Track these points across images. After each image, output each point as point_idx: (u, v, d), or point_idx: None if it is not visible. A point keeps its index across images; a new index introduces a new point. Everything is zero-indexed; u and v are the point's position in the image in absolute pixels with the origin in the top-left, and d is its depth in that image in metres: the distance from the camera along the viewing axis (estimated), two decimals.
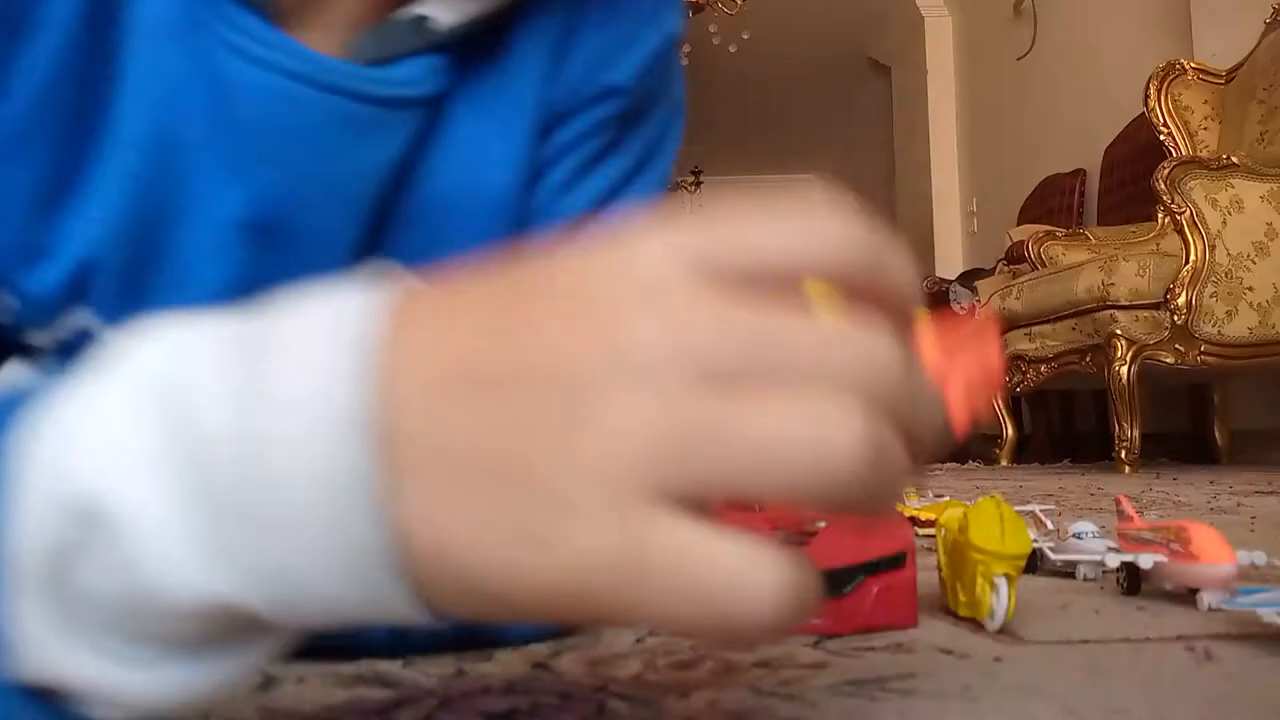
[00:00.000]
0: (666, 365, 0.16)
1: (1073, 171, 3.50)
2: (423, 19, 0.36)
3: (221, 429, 0.17)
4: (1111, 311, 2.13)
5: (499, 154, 0.40)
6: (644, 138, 0.44)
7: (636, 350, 0.16)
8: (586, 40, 0.42)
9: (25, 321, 0.34)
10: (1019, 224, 3.44)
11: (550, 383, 0.17)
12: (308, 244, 0.36)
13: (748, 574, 0.16)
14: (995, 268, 3.18)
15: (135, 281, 0.35)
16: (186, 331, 0.19)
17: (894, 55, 5.58)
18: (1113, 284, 2.13)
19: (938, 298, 3.78)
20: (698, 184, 8.01)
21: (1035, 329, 2.46)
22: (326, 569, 0.17)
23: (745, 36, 4.73)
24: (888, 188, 5.86)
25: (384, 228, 0.39)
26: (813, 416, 0.16)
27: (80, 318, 0.35)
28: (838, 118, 7.02)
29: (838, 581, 0.46)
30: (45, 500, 0.18)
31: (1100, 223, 3.09)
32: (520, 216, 0.41)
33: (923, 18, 5.07)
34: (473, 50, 0.39)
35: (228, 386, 0.18)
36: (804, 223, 0.18)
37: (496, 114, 0.40)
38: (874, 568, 0.47)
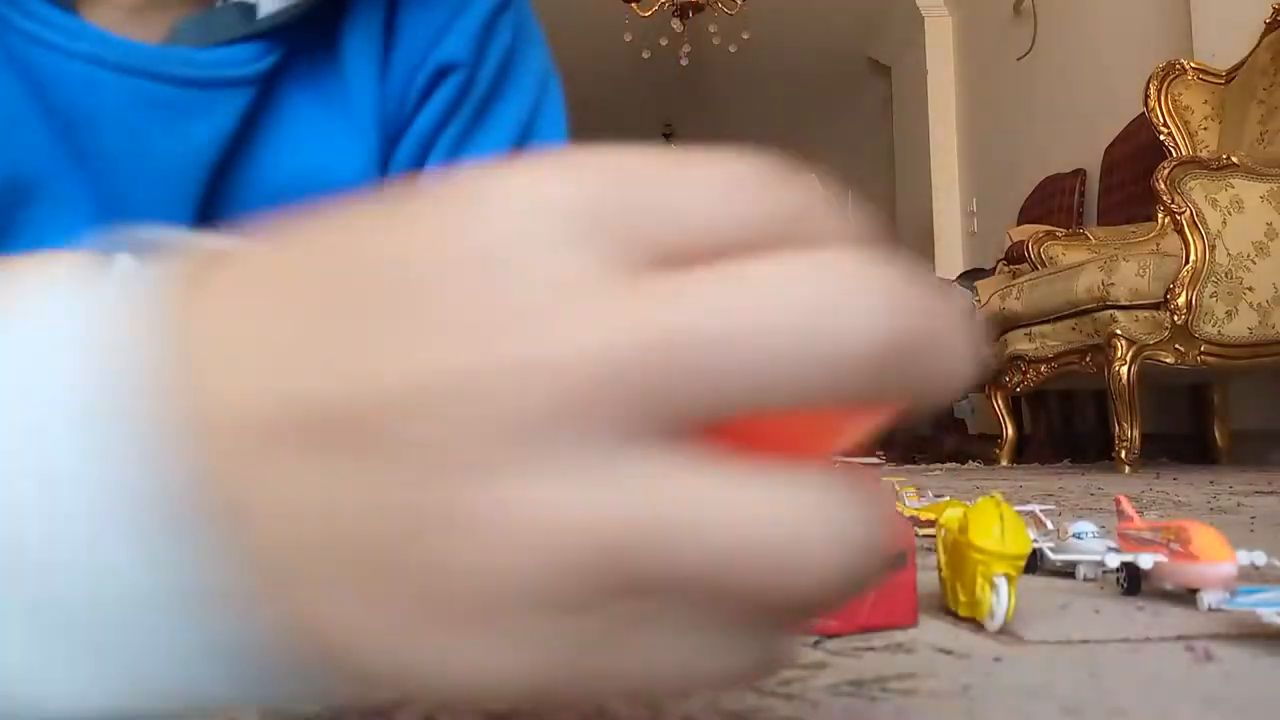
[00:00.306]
0: (580, 408, 0.12)
1: (1073, 171, 3.50)
2: (249, 6, 0.36)
3: None
4: (1111, 311, 2.13)
5: (341, 143, 0.40)
6: (513, 114, 0.43)
7: (536, 386, 0.12)
8: (412, 23, 0.41)
9: None
10: (1019, 224, 3.44)
11: (420, 449, 0.12)
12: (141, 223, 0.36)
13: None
14: (995, 268, 3.18)
15: None
16: None
17: (894, 55, 5.58)
18: (1113, 284, 2.13)
19: None
20: None
21: (1035, 329, 2.46)
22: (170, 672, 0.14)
23: (745, 36, 4.73)
24: (888, 188, 5.86)
25: (226, 210, 0.38)
26: (780, 511, 0.12)
27: None
28: (838, 118, 7.02)
29: None
30: None
31: (1100, 223, 3.09)
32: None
33: (923, 17, 5.07)
34: (304, 40, 0.38)
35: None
36: (727, 172, 0.14)
37: (334, 103, 0.39)
38: None
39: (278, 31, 0.37)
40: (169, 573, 0.13)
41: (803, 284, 0.12)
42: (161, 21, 0.36)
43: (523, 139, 0.43)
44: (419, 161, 0.42)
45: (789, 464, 0.12)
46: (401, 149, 0.42)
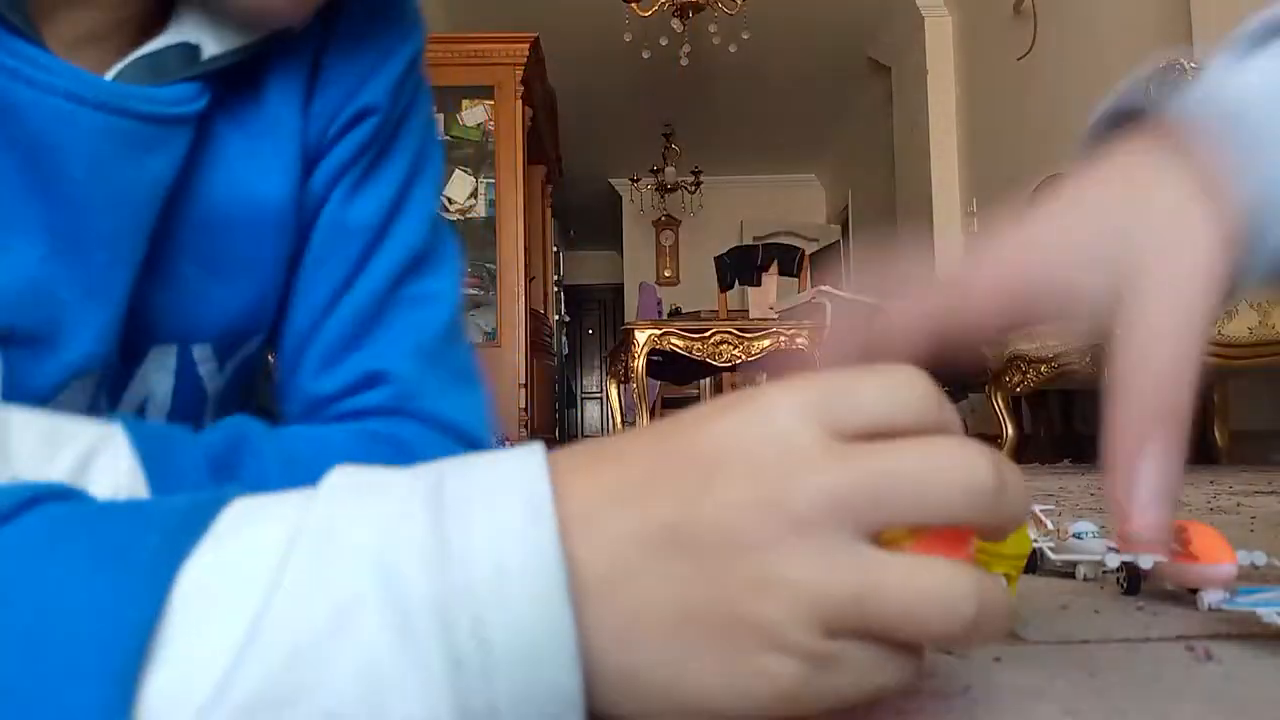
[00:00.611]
0: (820, 519, 0.21)
1: None
2: (191, 48, 0.39)
3: (426, 594, 0.20)
4: None
5: (268, 168, 0.43)
6: (412, 144, 0.48)
7: (795, 506, 0.21)
8: (336, 74, 0.45)
9: None
10: None
11: (731, 545, 0.21)
12: (98, 251, 0.38)
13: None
14: None
15: None
16: (385, 503, 0.21)
17: (894, 55, 5.58)
18: None
19: None
20: (698, 184, 8.01)
21: (1034, 329, 2.46)
22: (523, 705, 0.20)
23: (745, 36, 4.73)
24: (888, 188, 5.86)
25: (172, 237, 0.41)
26: (946, 588, 0.21)
27: None
28: (838, 118, 7.02)
29: None
30: (258, 644, 0.19)
31: None
32: (306, 227, 0.45)
33: (923, 18, 5.08)
34: (233, 79, 0.42)
35: (428, 555, 0.20)
36: (892, 385, 0.24)
37: (261, 135, 0.43)
38: None
39: (211, 71, 0.40)
40: (536, 624, 0.20)
41: (943, 451, 0.22)
42: (99, 57, 0.38)
43: (408, 179, 0.48)
44: (326, 192, 0.46)
45: (944, 558, 0.22)
46: (314, 180, 0.45)
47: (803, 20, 5.41)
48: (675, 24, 4.53)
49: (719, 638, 0.21)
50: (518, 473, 0.22)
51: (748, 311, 3.92)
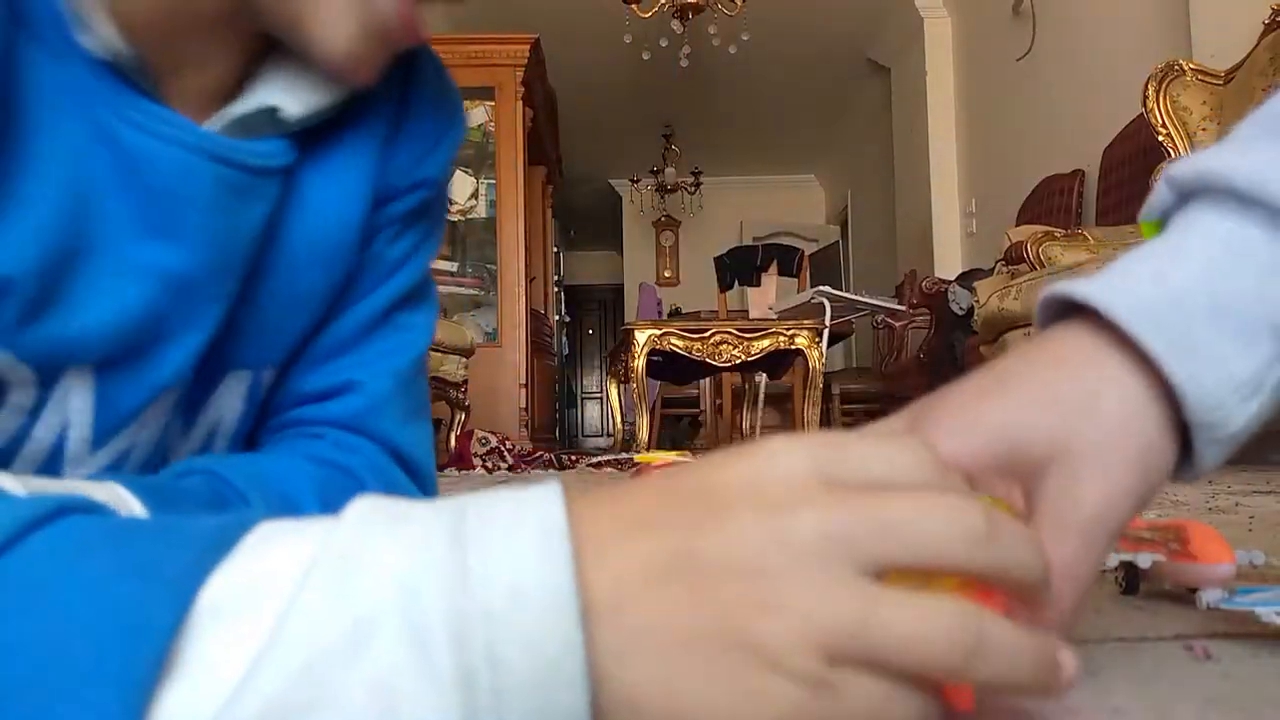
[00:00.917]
0: (822, 550, 0.23)
1: (1071, 172, 3.50)
2: (274, 110, 0.44)
3: (444, 613, 0.21)
4: None
5: (344, 209, 0.49)
6: (437, 211, 0.56)
7: (798, 539, 0.23)
8: (409, 140, 0.52)
9: None
10: (1018, 224, 3.44)
11: (735, 571, 0.23)
12: (203, 288, 0.43)
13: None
14: (994, 268, 3.18)
15: (32, 314, 0.38)
16: (409, 529, 0.23)
17: (893, 56, 5.58)
18: None
19: (936, 298, 3.79)
20: (698, 184, 8.01)
21: (1034, 329, 2.46)
22: None
23: (745, 37, 4.73)
24: (888, 188, 5.86)
25: (256, 271, 0.46)
26: (944, 619, 0.23)
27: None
28: (838, 118, 7.02)
29: None
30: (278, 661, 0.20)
31: (1099, 223, 3.09)
32: (355, 262, 0.51)
33: (922, 18, 5.08)
34: (319, 134, 0.47)
35: (448, 578, 0.21)
36: (894, 449, 0.26)
37: (338, 177, 0.48)
38: None
39: (297, 130, 0.45)
40: (549, 647, 0.21)
41: (938, 499, 0.25)
42: (203, 115, 0.43)
43: (429, 230, 0.56)
44: (375, 234, 0.52)
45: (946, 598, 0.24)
46: (373, 222, 0.52)
47: (802, 21, 5.41)
48: (675, 25, 4.53)
49: (721, 659, 0.22)
50: (536, 504, 0.23)
51: (748, 312, 3.92)
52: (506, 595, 0.21)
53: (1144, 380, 0.32)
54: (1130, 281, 0.33)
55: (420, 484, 0.55)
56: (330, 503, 0.47)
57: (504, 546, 0.22)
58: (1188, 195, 0.35)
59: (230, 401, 0.49)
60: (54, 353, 0.39)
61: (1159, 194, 0.36)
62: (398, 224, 0.53)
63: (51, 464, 0.42)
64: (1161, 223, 0.36)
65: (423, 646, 0.20)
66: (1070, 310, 0.35)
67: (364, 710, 0.20)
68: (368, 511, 0.23)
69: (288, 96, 0.44)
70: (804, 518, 0.23)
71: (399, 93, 0.51)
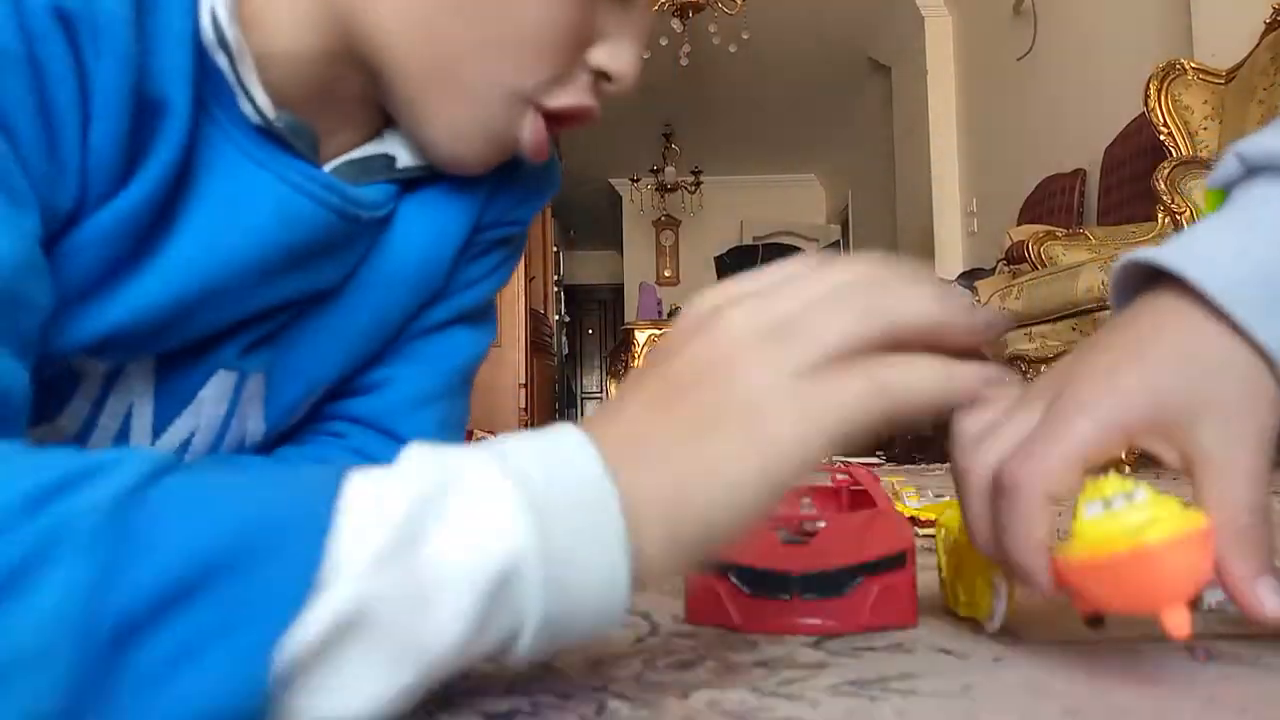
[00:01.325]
0: (769, 347, 0.32)
1: (1073, 171, 3.50)
2: (390, 158, 0.49)
3: (522, 458, 0.29)
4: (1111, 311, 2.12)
5: (441, 249, 0.53)
6: (517, 244, 0.61)
7: (750, 378, 0.32)
8: (511, 187, 0.56)
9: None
10: (1019, 224, 3.44)
11: (702, 391, 0.31)
12: (306, 317, 0.49)
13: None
14: (995, 268, 3.18)
15: (142, 344, 0.42)
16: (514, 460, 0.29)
17: (894, 55, 5.58)
18: None
19: None
20: (698, 184, 8.01)
21: (1035, 329, 2.46)
22: (593, 567, 0.28)
23: (745, 36, 4.73)
24: (888, 188, 5.86)
25: (342, 295, 0.50)
26: (855, 308, 0.33)
27: (83, 364, 0.42)
28: (838, 118, 7.02)
29: (837, 582, 0.46)
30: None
31: (1100, 222, 3.09)
32: (440, 289, 0.55)
33: (923, 17, 5.07)
34: (425, 177, 0.51)
35: (522, 449, 0.30)
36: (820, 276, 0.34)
37: (438, 211, 0.52)
38: (874, 568, 0.47)
39: (408, 178, 0.50)
40: (598, 494, 0.29)
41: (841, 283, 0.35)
42: (326, 154, 0.48)
43: (508, 259, 0.60)
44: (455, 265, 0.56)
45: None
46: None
47: (803, 20, 5.41)
48: (675, 24, 4.53)
49: (725, 435, 0.30)
50: (563, 431, 0.31)
51: None
52: (557, 456, 0.29)
53: (1247, 345, 0.34)
54: (1213, 251, 0.36)
55: None
56: None
57: (545, 438, 0.30)
58: (1254, 170, 0.38)
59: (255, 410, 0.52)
60: (125, 351, 0.43)
61: (1226, 166, 0.40)
62: (481, 246, 0.57)
63: (120, 440, 0.45)
64: (1224, 193, 0.40)
65: (503, 473, 0.28)
66: (1148, 277, 0.38)
67: (458, 518, 0.27)
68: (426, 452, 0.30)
69: (404, 151, 0.49)
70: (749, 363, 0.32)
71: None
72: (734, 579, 0.47)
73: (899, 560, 0.47)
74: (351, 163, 0.48)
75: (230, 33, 0.40)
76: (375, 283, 0.51)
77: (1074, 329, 2.29)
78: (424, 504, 0.27)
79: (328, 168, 0.47)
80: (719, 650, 0.43)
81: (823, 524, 0.53)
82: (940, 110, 5.02)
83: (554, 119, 0.46)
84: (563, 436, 0.30)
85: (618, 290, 9.28)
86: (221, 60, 0.40)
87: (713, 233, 8.12)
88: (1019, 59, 4.12)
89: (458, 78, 0.43)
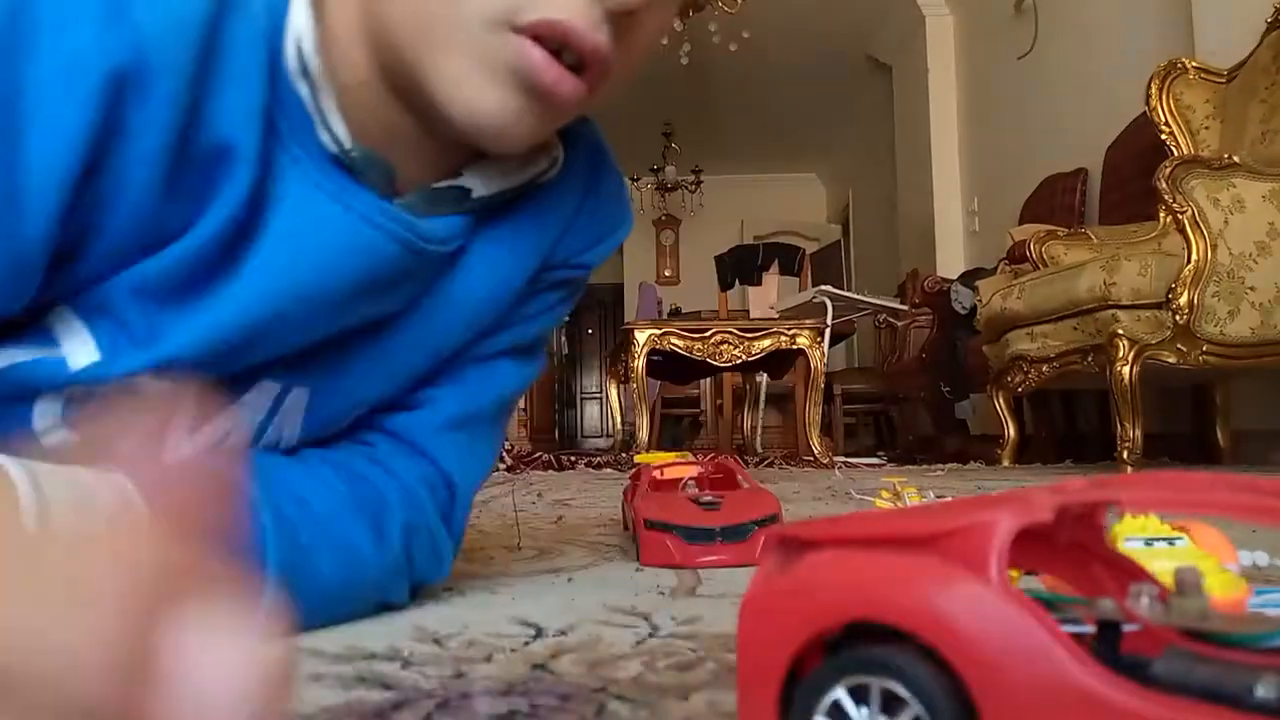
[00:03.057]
0: None
1: (1074, 171, 3.49)
2: (465, 190, 0.49)
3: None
4: (1113, 311, 2.12)
5: (509, 283, 0.54)
6: (578, 286, 0.61)
7: None
8: (582, 231, 0.57)
9: (96, 379, 0.41)
10: (1020, 223, 3.44)
11: None
12: (360, 339, 0.50)
13: None
14: (997, 267, 3.18)
15: (205, 368, 0.43)
16: None
17: (894, 54, 5.57)
18: (1114, 284, 2.12)
19: (938, 298, 3.78)
20: (698, 183, 8.00)
21: (1037, 329, 2.45)
22: None
23: (745, 36, 4.73)
24: (888, 188, 5.85)
25: (407, 324, 0.51)
26: None
27: (142, 380, 0.42)
28: (838, 117, 7.01)
29: (743, 531, 0.75)
30: None
31: (1102, 222, 3.09)
32: (501, 320, 0.56)
33: (923, 16, 5.07)
34: (498, 212, 0.52)
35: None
36: None
37: (507, 249, 0.53)
38: (762, 522, 0.76)
39: (481, 208, 0.51)
40: None
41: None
42: (402, 190, 0.48)
43: (565, 300, 0.60)
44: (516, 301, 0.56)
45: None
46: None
47: (803, 19, 5.40)
48: (675, 23, 4.53)
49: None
50: None
51: (748, 311, 3.92)
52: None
53: None
54: None
55: (455, 514, 0.58)
56: (344, 515, 0.49)
57: None
58: None
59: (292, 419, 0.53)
60: (188, 372, 0.43)
61: None
62: (543, 284, 0.58)
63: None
64: None
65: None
66: None
67: None
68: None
69: (478, 181, 0.50)
70: None
71: (583, 188, 0.57)
72: (676, 533, 0.75)
73: (776, 518, 0.78)
74: (424, 194, 0.48)
75: (314, 63, 0.41)
76: (436, 314, 0.52)
77: (1075, 329, 2.29)
78: None
79: (400, 199, 0.48)
80: (719, 651, 0.43)
81: (709, 495, 0.82)
82: (941, 110, 5.02)
83: (561, 49, 0.43)
84: None
85: (618, 290, 9.27)
86: (304, 90, 0.41)
87: (713, 232, 8.12)
88: (1020, 58, 4.11)
89: (436, 24, 0.42)
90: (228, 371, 0.45)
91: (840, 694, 0.22)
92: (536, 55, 0.42)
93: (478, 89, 0.43)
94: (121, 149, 0.37)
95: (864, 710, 0.21)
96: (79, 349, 0.41)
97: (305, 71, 0.41)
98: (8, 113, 0.34)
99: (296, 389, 0.50)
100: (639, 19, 0.44)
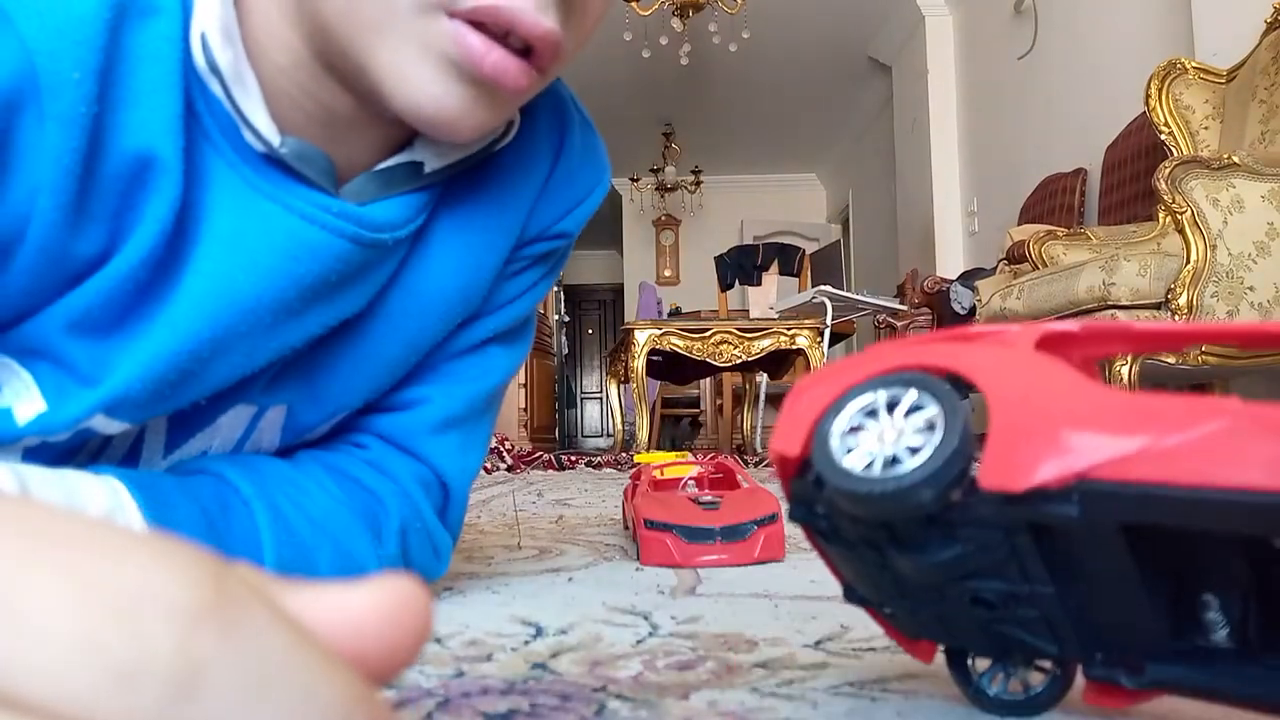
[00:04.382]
0: None
1: (1073, 171, 3.49)
2: (416, 165, 0.45)
3: None
4: (1113, 311, 2.12)
5: (482, 268, 0.51)
6: (560, 258, 0.58)
7: None
8: (555, 197, 0.54)
9: (47, 430, 0.39)
10: (1020, 224, 3.44)
11: None
12: (330, 344, 0.47)
13: None
14: (996, 267, 3.18)
15: (161, 400, 0.40)
16: None
17: (894, 54, 5.57)
18: (1114, 284, 2.12)
19: (938, 298, 3.78)
20: (698, 183, 8.00)
21: None
22: None
23: (745, 36, 4.73)
24: (888, 187, 5.85)
25: (377, 322, 0.48)
26: None
27: (98, 422, 0.40)
28: (838, 117, 7.01)
29: (742, 531, 0.75)
30: None
31: (1101, 222, 3.09)
32: (477, 307, 0.53)
33: (923, 17, 5.07)
34: (452, 187, 0.48)
35: None
36: None
37: (476, 233, 0.50)
38: (760, 522, 0.77)
39: (436, 182, 0.47)
40: None
41: None
42: (346, 179, 0.45)
43: (545, 276, 0.57)
44: (497, 279, 0.53)
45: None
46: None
47: (803, 20, 5.40)
48: (675, 23, 4.52)
49: None
50: None
51: (748, 311, 3.92)
52: None
53: None
54: None
55: (451, 511, 0.56)
56: (340, 515, 0.48)
57: None
58: None
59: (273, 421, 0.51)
60: (141, 410, 0.41)
61: None
62: (523, 262, 0.55)
63: (130, 459, 0.45)
64: None
65: None
66: None
67: None
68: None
69: (430, 153, 0.46)
70: None
71: (551, 151, 0.54)
72: (676, 532, 0.75)
73: (775, 517, 0.78)
74: (372, 176, 0.45)
75: (222, 57, 0.38)
76: (406, 307, 0.49)
77: None
78: None
79: (348, 186, 0.45)
80: (719, 651, 0.43)
81: (709, 495, 0.83)
82: (940, 110, 5.02)
83: (506, 34, 0.40)
84: None
85: (617, 290, 9.28)
86: (216, 87, 0.38)
87: (713, 232, 8.12)
88: (1020, 58, 4.11)
89: (366, 7, 0.39)
90: (189, 401, 0.42)
91: (877, 399, 0.28)
92: (474, 41, 0.39)
93: (419, 80, 0.40)
94: (15, 179, 0.33)
95: (892, 415, 0.27)
96: (22, 398, 0.38)
97: (214, 68, 0.38)
98: None
99: (273, 408, 0.48)
100: None
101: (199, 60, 0.38)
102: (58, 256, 0.36)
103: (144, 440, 0.44)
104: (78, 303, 0.37)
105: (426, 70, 0.39)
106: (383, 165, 0.45)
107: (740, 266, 4.41)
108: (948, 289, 3.63)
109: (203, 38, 0.37)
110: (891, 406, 0.28)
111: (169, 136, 0.37)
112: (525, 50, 0.40)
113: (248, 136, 0.40)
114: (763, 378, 4.07)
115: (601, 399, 10.41)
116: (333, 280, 0.43)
